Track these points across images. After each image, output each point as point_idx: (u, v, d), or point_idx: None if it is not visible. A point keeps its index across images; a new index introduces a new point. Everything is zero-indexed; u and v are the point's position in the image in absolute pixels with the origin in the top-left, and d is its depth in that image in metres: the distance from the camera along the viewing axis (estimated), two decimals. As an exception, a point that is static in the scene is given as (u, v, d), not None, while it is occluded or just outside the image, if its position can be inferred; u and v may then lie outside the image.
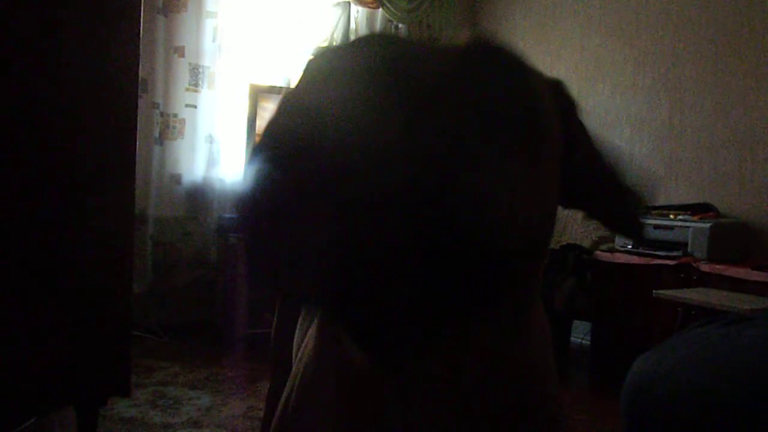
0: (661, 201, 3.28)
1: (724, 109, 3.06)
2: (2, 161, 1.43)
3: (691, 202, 3.08)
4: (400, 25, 4.28)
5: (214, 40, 3.63)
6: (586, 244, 3.30)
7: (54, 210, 1.53)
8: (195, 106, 3.60)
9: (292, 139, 0.36)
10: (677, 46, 3.31)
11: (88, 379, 1.66)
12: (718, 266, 2.63)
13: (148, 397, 2.42)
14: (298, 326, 0.88)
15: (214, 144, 3.68)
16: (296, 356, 0.80)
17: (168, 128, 3.56)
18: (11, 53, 1.44)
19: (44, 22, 1.50)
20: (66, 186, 1.55)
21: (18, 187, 1.46)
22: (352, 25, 4.15)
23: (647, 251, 2.94)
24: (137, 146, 1.73)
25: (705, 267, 2.67)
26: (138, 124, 1.72)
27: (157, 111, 3.51)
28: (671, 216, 2.98)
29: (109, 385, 1.72)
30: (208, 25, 3.62)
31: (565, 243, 3.24)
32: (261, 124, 3.43)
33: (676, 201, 3.20)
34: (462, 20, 4.70)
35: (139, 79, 1.77)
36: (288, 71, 3.92)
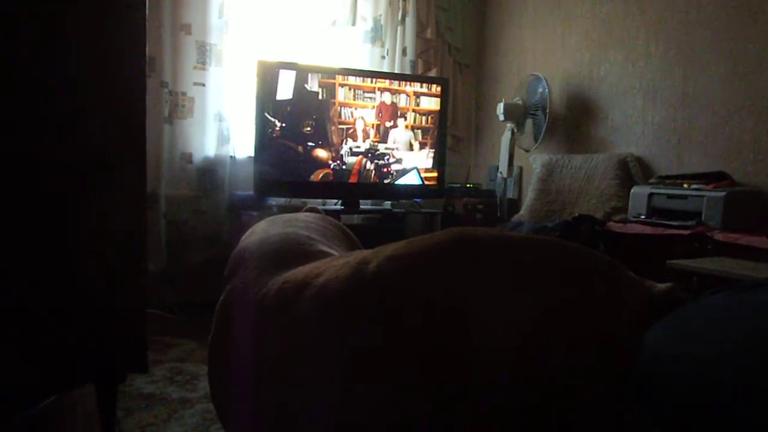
0: (675, 170, 3.25)
1: (739, 75, 3.00)
2: (14, 144, 1.43)
3: (706, 171, 3.05)
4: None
5: (220, 17, 3.61)
6: (599, 215, 3.28)
7: (67, 192, 1.54)
8: (203, 84, 3.59)
9: None
10: (690, 12, 3.24)
11: (107, 357, 1.68)
12: (732, 235, 2.60)
13: (165, 373, 2.46)
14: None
15: (224, 122, 3.67)
16: None
17: (177, 107, 3.56)
18: (15, 34, 1.43)
19: (49, 3, 1.49)
20: (78, 168, 1.56)
21: (31, 168, 1.47)
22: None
23: (661, 221, 2.92)
24: (147, 126, 1.73)
25: (719, 236, 2.64)
26: (147, 104, 1.72)
27: (166, 90, 3.50)
28: (685, 185, 2.95)
29: (127, 362, 1.74)
30: (214, 2, 3.59)
31: (577, 214, 3.22)
32: (269, 99, 3.42)
33: (690, 170, 3.17)
34: (471, -10, 4.63)
35: (147, 59, 1.76)
36: (295, 46, 3.89)
